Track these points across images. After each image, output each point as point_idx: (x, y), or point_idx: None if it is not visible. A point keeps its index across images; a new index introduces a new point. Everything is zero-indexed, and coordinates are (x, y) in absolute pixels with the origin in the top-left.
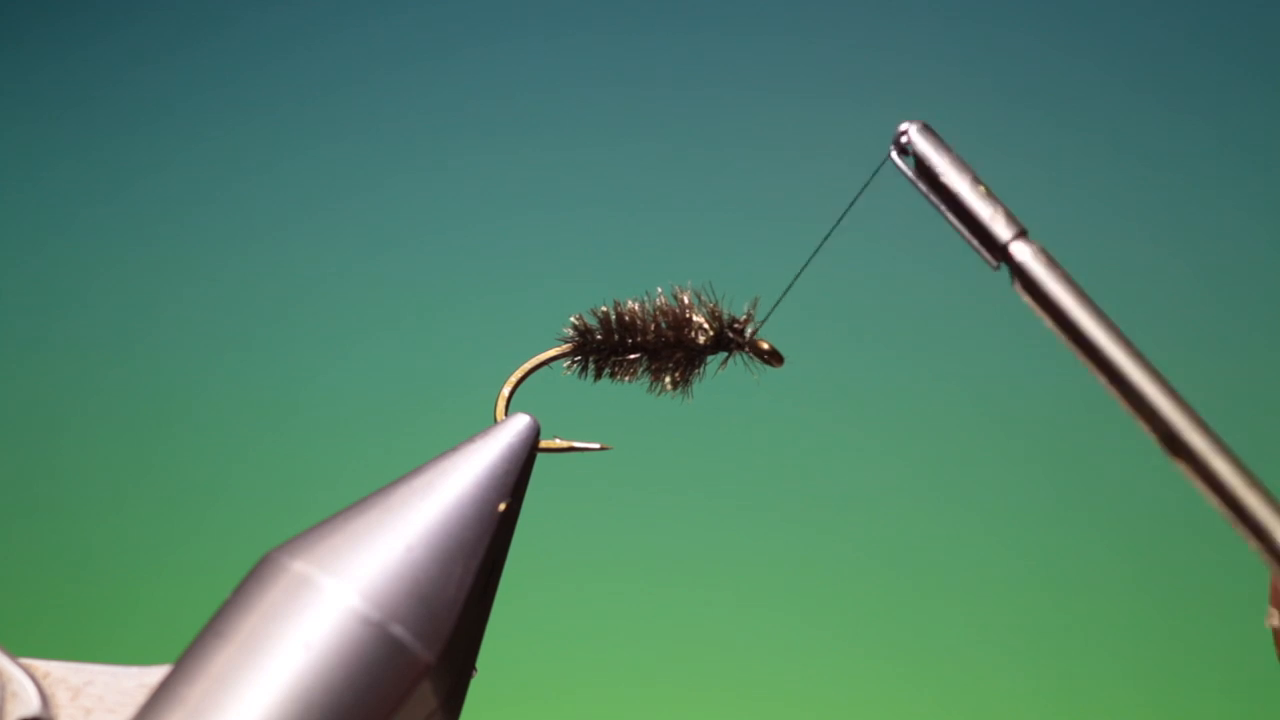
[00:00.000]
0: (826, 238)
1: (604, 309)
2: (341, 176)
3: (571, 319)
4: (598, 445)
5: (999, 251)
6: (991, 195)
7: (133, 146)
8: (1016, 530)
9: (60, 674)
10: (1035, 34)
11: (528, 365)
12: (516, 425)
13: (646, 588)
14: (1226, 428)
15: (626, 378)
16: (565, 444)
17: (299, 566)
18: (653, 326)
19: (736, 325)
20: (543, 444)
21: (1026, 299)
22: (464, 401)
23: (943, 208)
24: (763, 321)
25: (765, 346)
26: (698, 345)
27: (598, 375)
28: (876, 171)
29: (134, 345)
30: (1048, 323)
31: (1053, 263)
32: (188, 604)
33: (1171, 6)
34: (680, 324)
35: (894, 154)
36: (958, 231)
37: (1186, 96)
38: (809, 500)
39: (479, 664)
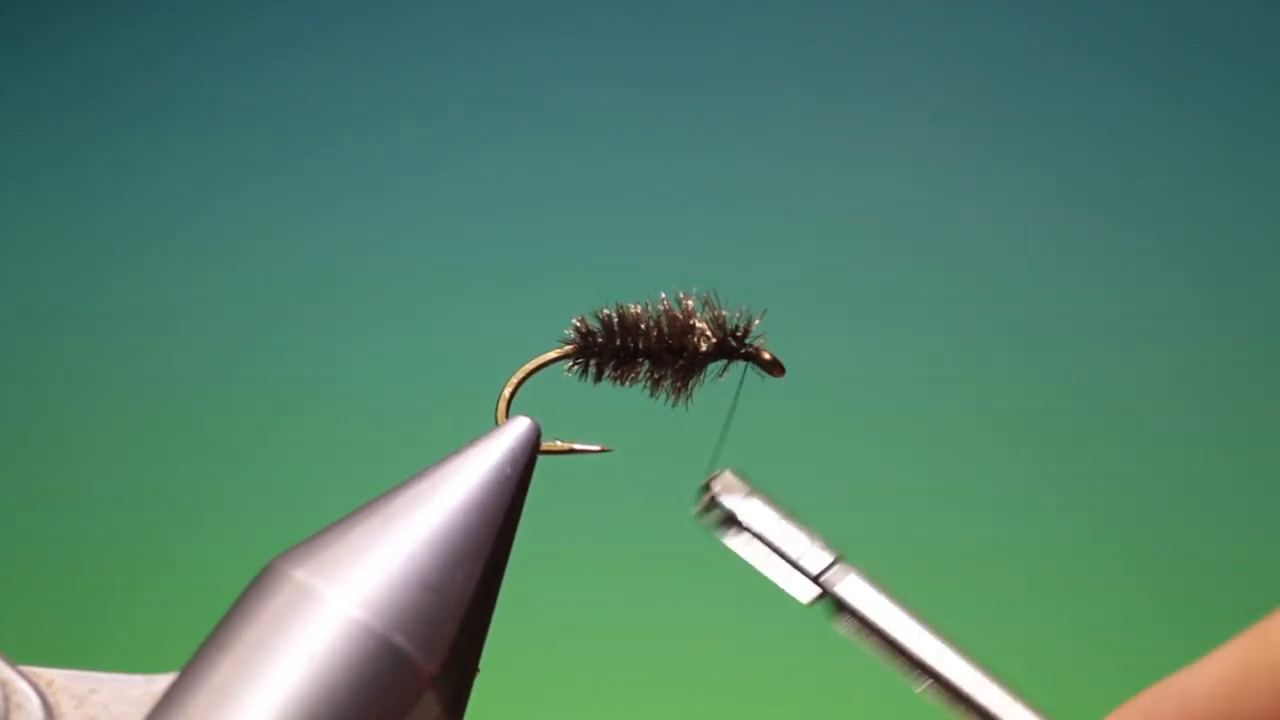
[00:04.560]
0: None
1: (606, 311)
2: (343, 178)
3: (574, 321)
4: (599, 447)
5: (819, 584)
6: (804, 527)
7: (133, 148)
8: (1014, 529)
9: (64, 682)
10: (1035, 34)
11: (529, 367)
12: (517, 428)
13: (647, 589)
14: (1226, 427)
15: (627, 382)
16: (566, 446)
17: (301, 576)
18: (655, 331)
19: (739, 334)
20: (544, 446)
21: (852, 628)
22: (465, 402)
23: (757, 553)
24: (761, 314)
25: (767, 356)
26: (699, 352)
27: (598, 378)
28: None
29: (136, 348)
30: (874, 645)
31: (872, 586)
32: (193, 608)
33: (1171, 5)
34: (683, 330)
35: (703, 511)
36: (773, 572)
37: (1185, 95)
38: (809, 501)
39: (482, 665)
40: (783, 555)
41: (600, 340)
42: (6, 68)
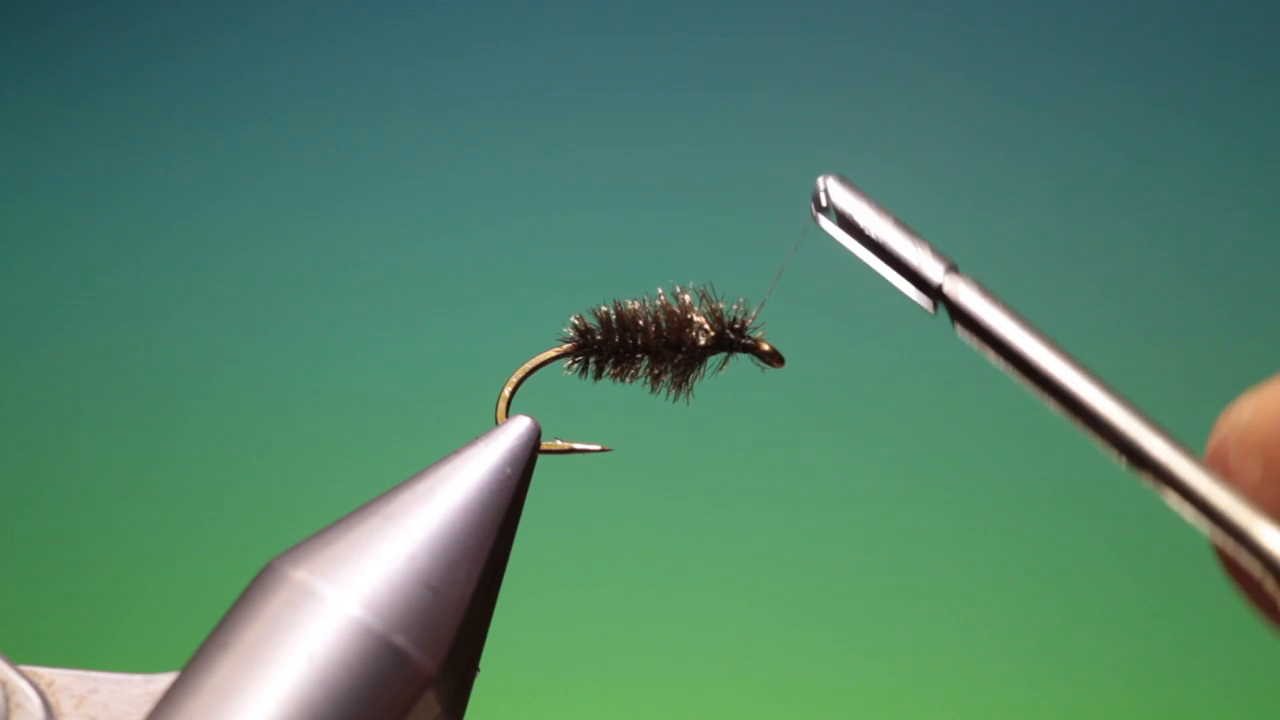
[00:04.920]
0: (767, 296)
1: (604, 309)
2: (343, 178)
3: (572, 319)
4: (598, 447)
5: (934, 293)
6: (917, 236)
7: (133, 147)
8: (1014, 527)
9: (64, 682)
10: (1034, 33)
11: (528, 365)
12: (517, 428)
13: (647, 588)
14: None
15: (627, 378)
16: (566, 445)
17: (301, 576)
18: (653, 327)
19: (737, 326)
20: (543, 446)
21: (968, 337)
22: (465, 402)
23: (871, 258)
24: (757, 309)
25: (766, 348)
26: (698, 346)
27: (598, 375)
28: (802, 235)
29: (136, 347)
30: (993, 357)
31: (989, 294)
32: (193, 608)
33: (1171, 5)
34: (681, 324)
35: (816, 214)
36: (890, 279)
37: (1185, 94)
38: (809, 499)
39: (482, 664)
40: (900, 262)
41: (599, 337)
42: (7, 67)
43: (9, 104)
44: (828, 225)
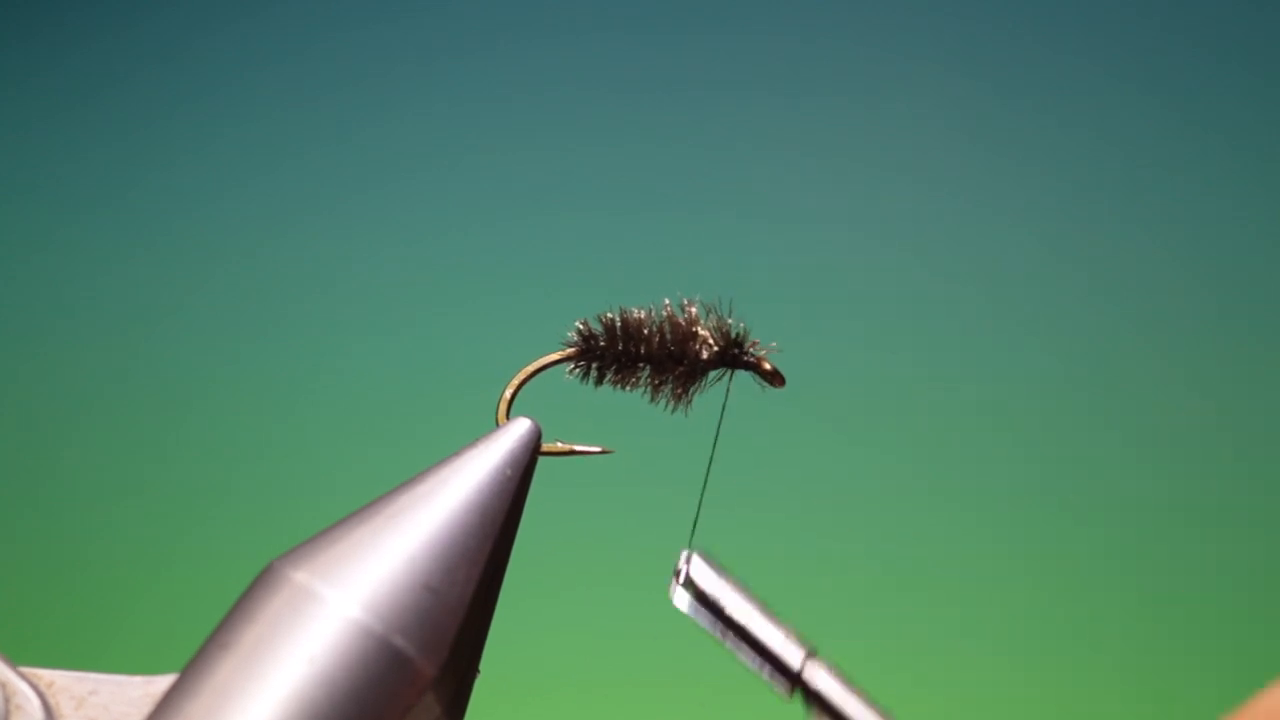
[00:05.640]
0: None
1: (610, 315)
2: (346, 177)
3: (577, 324)
4: (599, 448)
5: (793, 678)
6: (777, 619)
7: (135, 146)
8: (1015, 529)
9: (64, 683)
10: (1035, 33)
11: (530, 368)
12: (518, 429)
13: (647, 590)
14: (1225, 427)
15: (628, 386)
16: (566, 447)
17: (301, 578)
18: (657, 337)
19: (741, 342)
20: (544, 447)
21: None
22: (466, 403)
23: (729, 637)
24: (771, 348)
25: (768, 367)
26: (701, 360)
27: (599, 381)
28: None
29: (137, 347)
30: None
31: (845, 681)
32: (193, 609)
33: (1172, 5)
34: (685, 337)
35: (675, 586)
36: (747, 661)
37: (1184, 93)
38: (810, 501)
39: (482, 665)
40: (762, 649)
41: (602, 344)
42: (7, 67)
43: (9, 104)
44: (681, 601)
